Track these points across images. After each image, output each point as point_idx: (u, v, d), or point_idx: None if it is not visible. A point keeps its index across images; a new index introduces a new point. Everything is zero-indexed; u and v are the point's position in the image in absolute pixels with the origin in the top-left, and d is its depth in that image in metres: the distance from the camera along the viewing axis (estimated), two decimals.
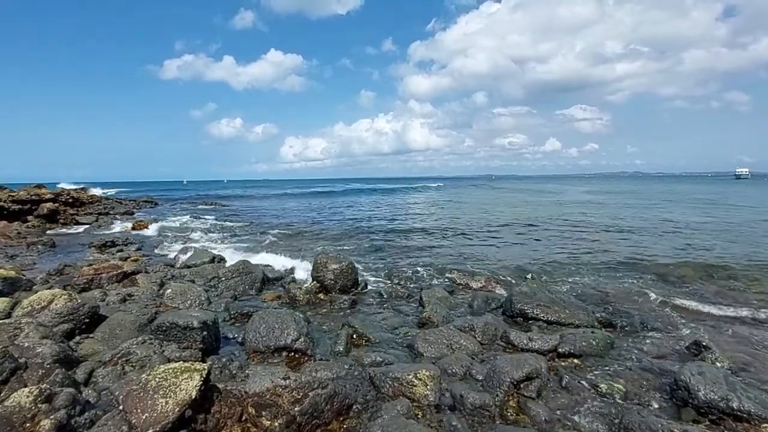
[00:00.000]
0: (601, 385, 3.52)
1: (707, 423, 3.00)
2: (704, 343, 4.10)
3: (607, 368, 3.83)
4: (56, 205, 16.93)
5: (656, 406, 3.25)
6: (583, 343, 4.32)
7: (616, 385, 3.53)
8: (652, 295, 6.06)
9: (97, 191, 28.43)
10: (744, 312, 5.39)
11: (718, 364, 3.74)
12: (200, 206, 27.25)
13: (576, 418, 3.07)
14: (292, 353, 4.04)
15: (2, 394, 2.67)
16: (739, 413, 3.00)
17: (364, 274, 7.42)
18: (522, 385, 3.37)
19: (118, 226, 15.10)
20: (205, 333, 3.96)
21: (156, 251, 10.17)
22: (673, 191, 35.09)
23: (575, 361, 3.99)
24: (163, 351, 3.71)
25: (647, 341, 4.45)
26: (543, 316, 5.00)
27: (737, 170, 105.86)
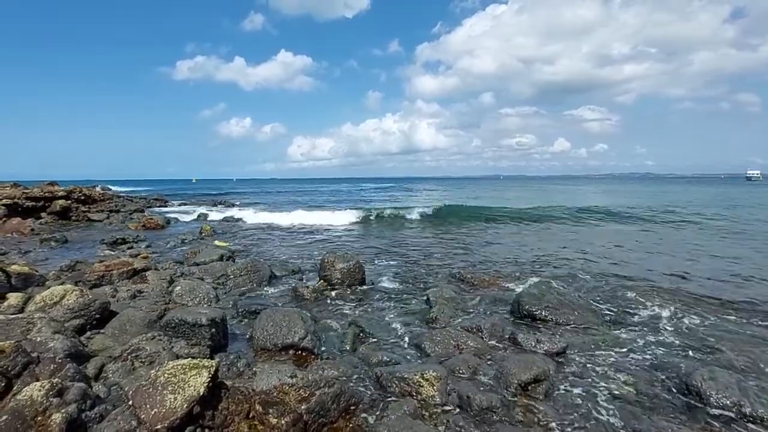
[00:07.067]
0: (611, 388, 3.48)
1: (718, 427, 2.95)
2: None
3: (616, 371, 3.78)
4: (69, 202, 17.21)
5: (667, 409, 3.20)
6: (592, 346, 4.29)
7: (626, 387, 3.49)
8: (665, 297, 5.97)
9: (118, 189, 27.98)
10: (759, 315, 5.28)
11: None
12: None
13: (584, 421, 3.04)
14: (299, 351, 4.06)
15: (15, 388, 2.71)
16: (752, 418, 2.95)
17: (372, 273, 7.42)
18: (530, 387, 3.34)
19: (129, 224, 15.27)
20: (213, 330, 3.99)
21: (166, 248, 10.28)
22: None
23: (584, 363, 3.94)
24: (172, 347, 3.74)
25: (658, 344, 4.39)
26: (551, 318, 4.96)
27: (748, 172, 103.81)
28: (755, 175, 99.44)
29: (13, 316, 4.16)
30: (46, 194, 16.91)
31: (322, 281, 6.52)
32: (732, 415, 3.03)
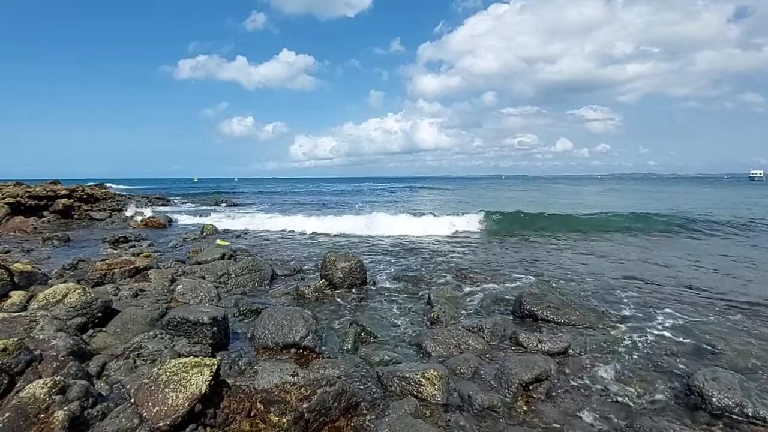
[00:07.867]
0: (612, 388, 3.48)
1: (720, 428, 2.94)
2: None
3: (618, 370, 3.77)
4: (71, 200, 17.26)
5: (669, 409, 3.20)
6: (594, 345, 4.28)
7: (627, 387, 3.49)
8: (667, 297, 5.95)
9: (121, 187, 27.66)
10: (762, 315, 5.26)
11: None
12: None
13: (586, 421, 3.03)
14: (301, 350, 4.06)
15: (18, 385, 2.72)
16: (754, 419, 2.94)
17: (373, 272, 7.42)
18: (531, 387, 3.34)
19: (131, 222, 15.31)
20: (215, 328, 4.00)
21: (167, 247, 10.30)
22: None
23: (586, 363, 3.94)
24: (174, 346, 3.75)
25: (660, 344, 4.38)
26: (553, 318, 4.95)
27: (751, 172, 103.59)
28: (758, 175, 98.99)
29: (16, 314, 4.17)
30: (49, 193, 16.95)
31: (323, 280, 6.52)
32: (734, 415, 3.01)
